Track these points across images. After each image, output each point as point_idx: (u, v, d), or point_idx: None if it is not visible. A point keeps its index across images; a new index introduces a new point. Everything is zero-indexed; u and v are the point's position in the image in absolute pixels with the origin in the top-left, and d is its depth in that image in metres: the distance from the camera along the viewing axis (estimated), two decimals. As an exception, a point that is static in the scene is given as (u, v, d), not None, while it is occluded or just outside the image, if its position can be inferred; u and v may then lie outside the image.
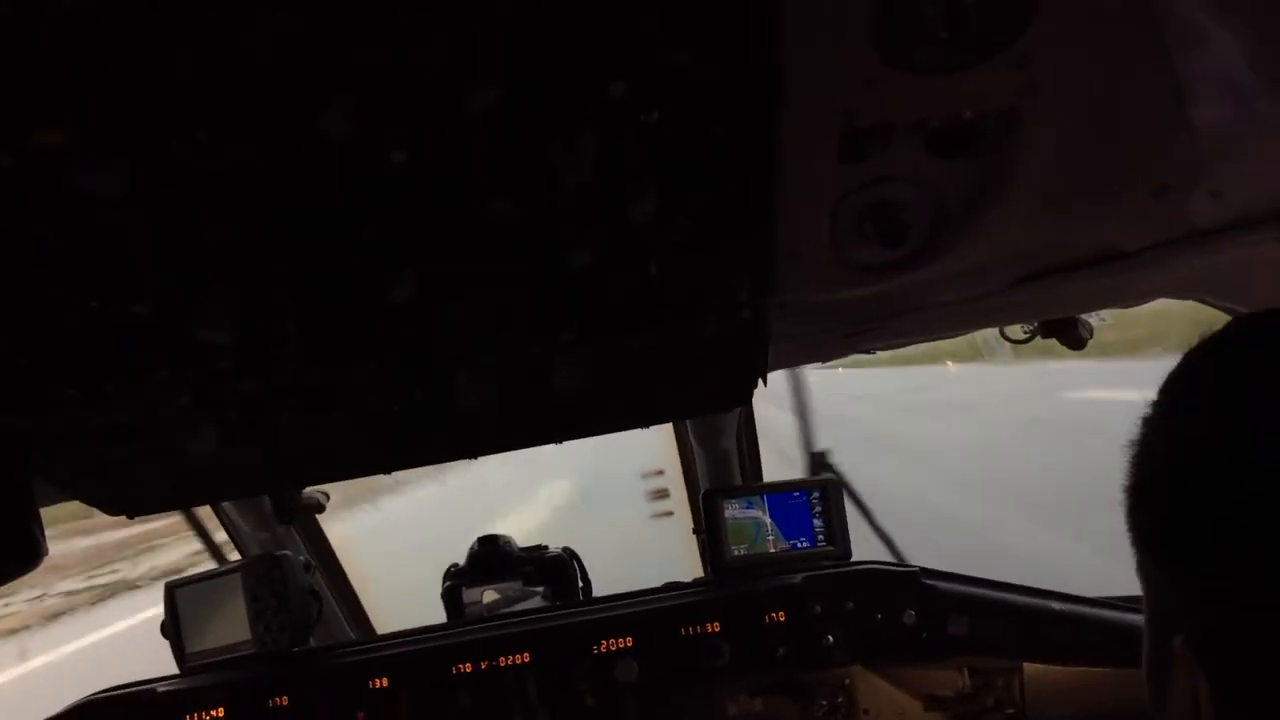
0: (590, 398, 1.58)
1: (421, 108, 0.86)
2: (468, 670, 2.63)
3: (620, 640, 2.64)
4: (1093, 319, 2.11)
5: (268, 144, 0.87)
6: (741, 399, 1.83)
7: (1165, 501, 0.83)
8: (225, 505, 3.20)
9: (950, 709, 2.77)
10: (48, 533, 1.45)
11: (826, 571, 2.76)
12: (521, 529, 3.32)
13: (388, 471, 1.90)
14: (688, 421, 3.28)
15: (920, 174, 1.20)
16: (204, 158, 0.86)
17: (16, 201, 0.87)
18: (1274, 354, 0.81)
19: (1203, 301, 1.73)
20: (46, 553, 1.45)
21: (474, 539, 3.24)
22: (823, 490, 2.89)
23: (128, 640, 11.60)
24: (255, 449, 1.53)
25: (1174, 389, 0.87)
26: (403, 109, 0.86)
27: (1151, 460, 0.86)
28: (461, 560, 3.23)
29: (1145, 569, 0.89)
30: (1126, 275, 1.48)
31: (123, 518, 1.76)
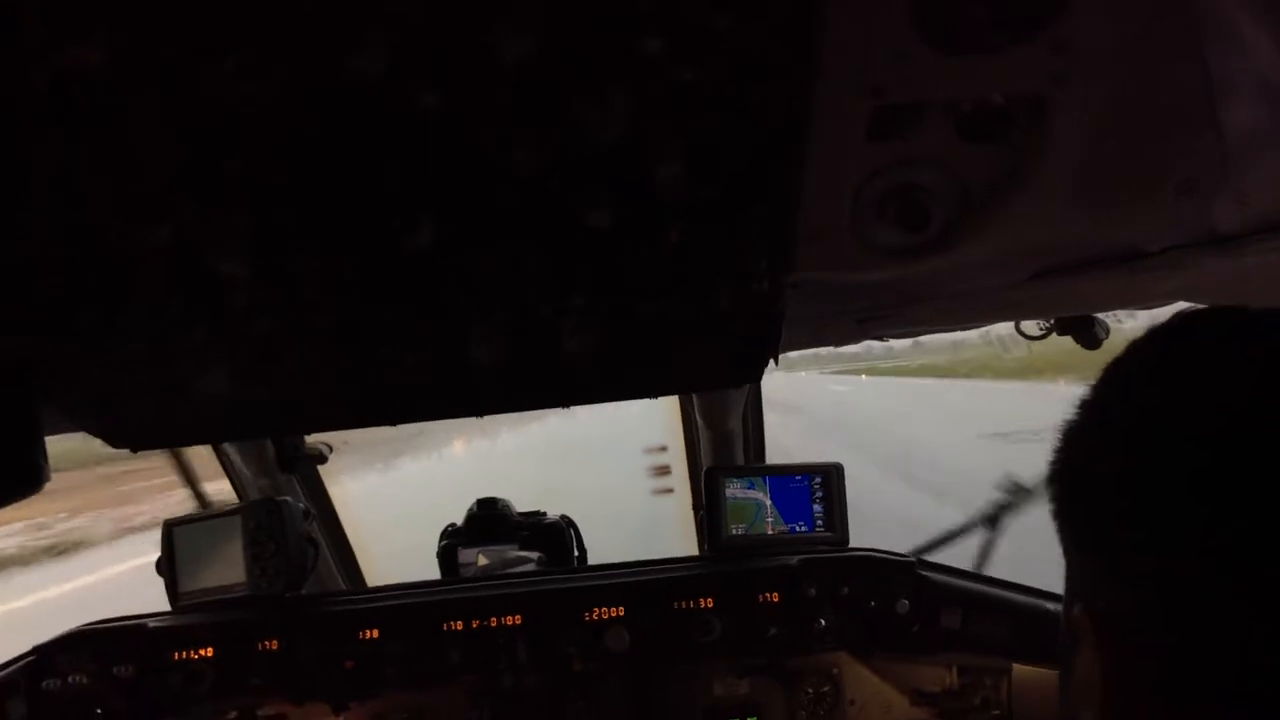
0: (599, 363, 1.58)
1: (456, 52, 0.86)
2: (459, 628, 2.64)
3: (612, 609, 2.65)
4: (1109, 319, 2.10)
5: (300, 77, 0.86)
6: (751, 376, 1.82)
7: (1105, 483, 0.84)
8: (228, 448, 3.21)
9: (937, 705, 2.78)
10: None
11: (823, 555, 2.76)
12: (521, 495, 3.32)
13: (394, 423, 1.90)
14: (694, 399, 3.28)
15: (947, 158, 1.20)
16: (235, 86, 0.86)
17: (48, 120, 0.87)
18: (1214, 345, 0.81)
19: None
20: (48, 478, 1.45)
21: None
22: (825, 476, 2.90)
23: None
24: (263, 390, 1.53)
25: (1118, 374, 0.88)
26: (437, 52, 0.86)
27: (1090, 441, 0.87)
28: (460, 521, 3.24)
29: (1066, 545, 0.90)
30: (1145, 275, 1.47)
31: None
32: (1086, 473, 0.86)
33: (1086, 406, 0.88)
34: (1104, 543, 0.82)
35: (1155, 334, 0.87)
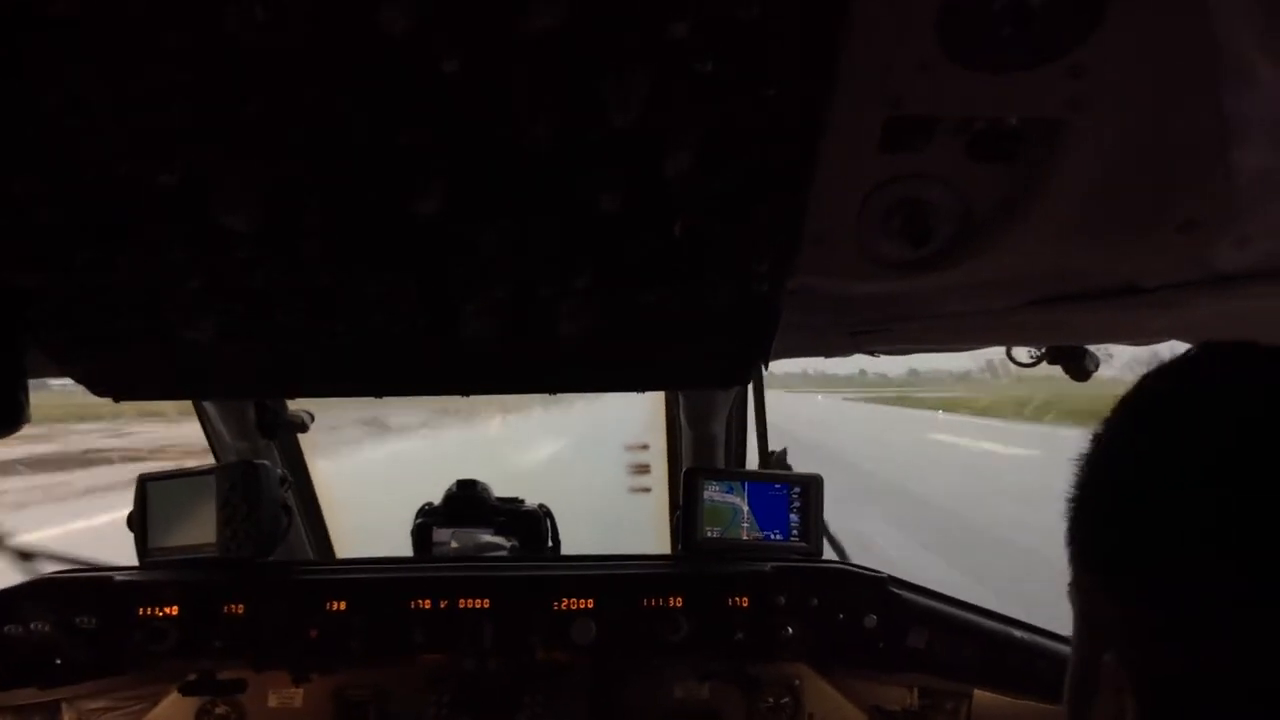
0: (592, 350, 1.58)
1: (482, 18, 0.86)
2: (425, 606, 2.64)
3: (582, 600, 2.65)
4: (1100, 352, 2.10)
5: (323, 27, 0.86)
6: (741, 378, 1.82)
7: (1114, 515, 0.83)
8: (208, 409, 3.20)
9: None
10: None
11: (796, 565, 2.77)
12: (501, 481, 3.31)
13: (378, 395, 1.90)
14: (680, 398, 3.28)
15: (954, 176, 1.20)
16: (257, 31, 0.85)
17: (62, 54, 0.87)
18: (1232, 380, 0.81)
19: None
20: (29, 419, 1.45)
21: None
22: (804, 486, 2.90)
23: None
24: (251, 348, 1.52)
25: (1132, 408, 0.88)
26: (463, 16, 0.85)
27: (1101, 473, 0.86)
28: (437, 500, 3.24)
29: (1080, 583, 0.89)
30: (1141, 311, 1.47)
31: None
32: (1100, 510, 0.86)
33: (1098, 440, 0.88)
34: (1121, 585, 0.81)
35: (1166, 369, 0.87)
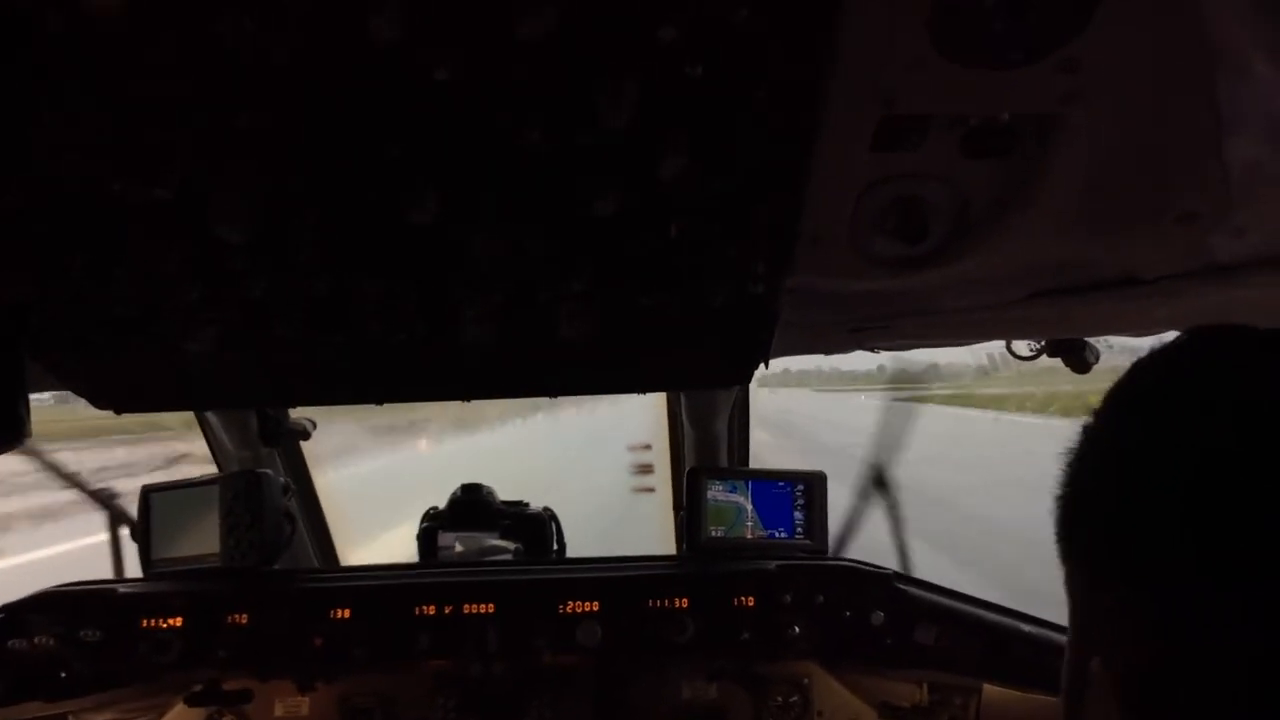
0: (592, 354, 1.58)
1: (473, 26, 0.86)
2: (430, 613, 2.63)
3: (587, 603, 2.65)
4: (1099, 344, 2.10)
5: (316, 36, 0.86)
6: (741, 377, 1.82)
7: (1100, 509, 0.82)
8: (210, 418, 3.19)
9: None
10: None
11: (801, 563, 2.76)
12: (505, 485, 3.31)
13: (379, 402, 1.90)
14: (682, 398, 3.28)
15: (950, 173, 1.20)
16: (250, 41, 0.85)
17: (62, 63, 0.87)
18: (1225, 367, 0.79)
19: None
20: (30, 434, 1.45)
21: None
22: (808, 484, 2.89)
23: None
24: (251, 358, 1.52)
25: (1121, 398, 0.86)
26: (454, 24, 0.85)
27: (1093, 468, 0.85)
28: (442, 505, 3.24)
29: (1073, 582, 0.87)
30: (1140, 302, 1.47)
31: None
32: (1088, 504, 0.84)
33: (1088, 432, 0.87)
34: (1107, 582, 0.80)
35: (1155, 357, 0.86)
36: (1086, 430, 0.87)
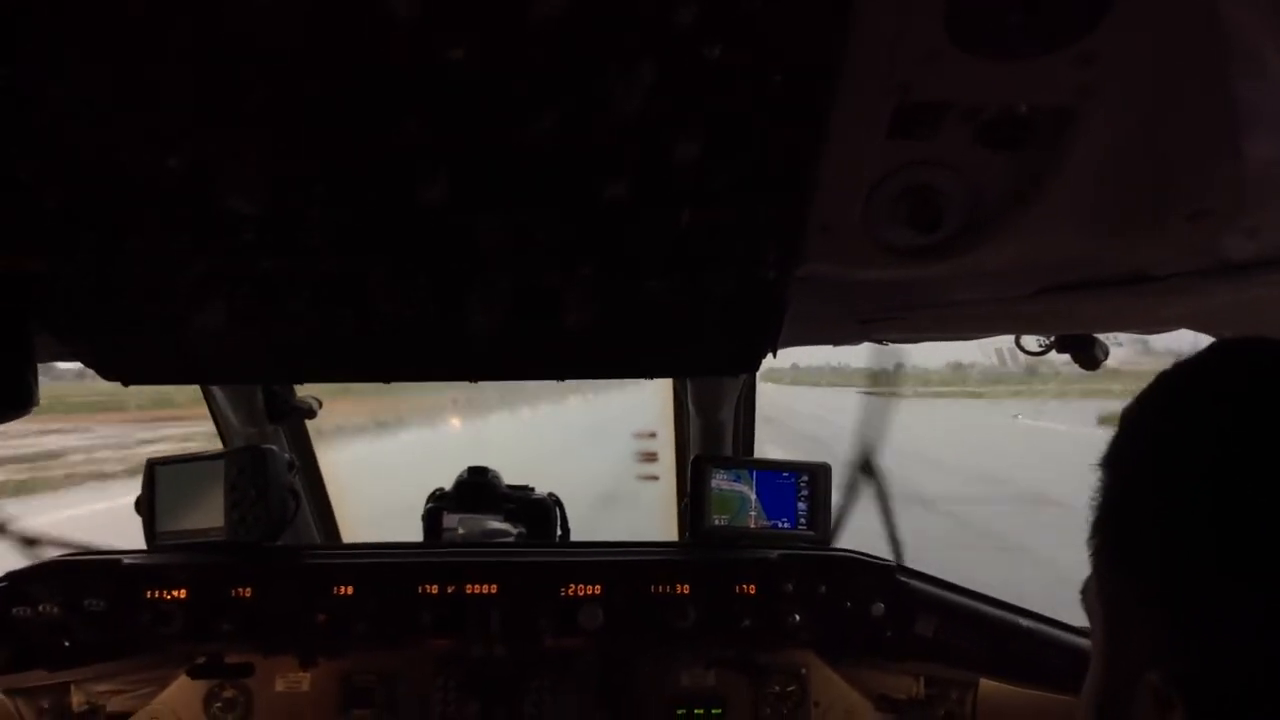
0: (599, 338, 1.57)
1: (489, 5, 0.85)
2: (433, 592, 2.64)
3: (589, 587, 2.65)
4: (1109, 341, 2.10)
5: (332, 13, 0.86)
6: (748, 366, 1.82)
7: (1157, 521, 0.80)
8: (216, 393, 3.20)
9: (901, 713, 2.79)
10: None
11: (803, 552, 2.76)
12: (511, 469, 3.32)
13: (386, 381, 1.90)
14: (688, 386, 3.28)
15: (964, 163, 1.19)
16: (265, 18, 0.85)
17: (67, 41, 0.87)
18: (1263, 376, 0.79)
19: (1221, 336, 1.71)
20: (38, 402, 1.45)
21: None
22: (812, 474, 2.89)
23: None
24: (259, 334, 1.53)
25: (1160, 405, 0.85)
26: (470, 3, 0.85)
27: (1140, 470, 0.84)
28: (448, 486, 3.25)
29: (1108, 591, 0.86)
30: (1150, 300, 1.47)
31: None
32: (1141, 518, 0.82)
33: (1128, 444, 0.86)
34: (1168, 595, 0.78)
35: (1185, 367, 0.85)
36: (1124, 439, 0.86)
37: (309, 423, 3.51)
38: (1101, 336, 2.10)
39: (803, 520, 2.87)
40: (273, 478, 2.73)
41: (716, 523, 2.85)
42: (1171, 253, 1.33)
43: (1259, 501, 0.71)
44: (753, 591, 2.67)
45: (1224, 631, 0.72)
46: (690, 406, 3.32)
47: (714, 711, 2.84)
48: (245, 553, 2.75)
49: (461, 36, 0.88)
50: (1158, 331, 1.83)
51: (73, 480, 16.35)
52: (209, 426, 3.29)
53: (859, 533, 3.13)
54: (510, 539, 3.09)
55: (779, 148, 1.07)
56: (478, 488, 3.21)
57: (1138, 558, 0.82)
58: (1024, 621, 2.64)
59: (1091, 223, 1.26)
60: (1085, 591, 0.91)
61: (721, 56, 0.91)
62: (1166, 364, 0.87)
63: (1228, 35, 0.96)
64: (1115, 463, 0.86)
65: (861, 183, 1.22)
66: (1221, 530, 0.73)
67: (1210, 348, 0.86)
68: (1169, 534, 0.77)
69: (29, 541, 2.93)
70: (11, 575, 2.65)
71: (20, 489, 14.79)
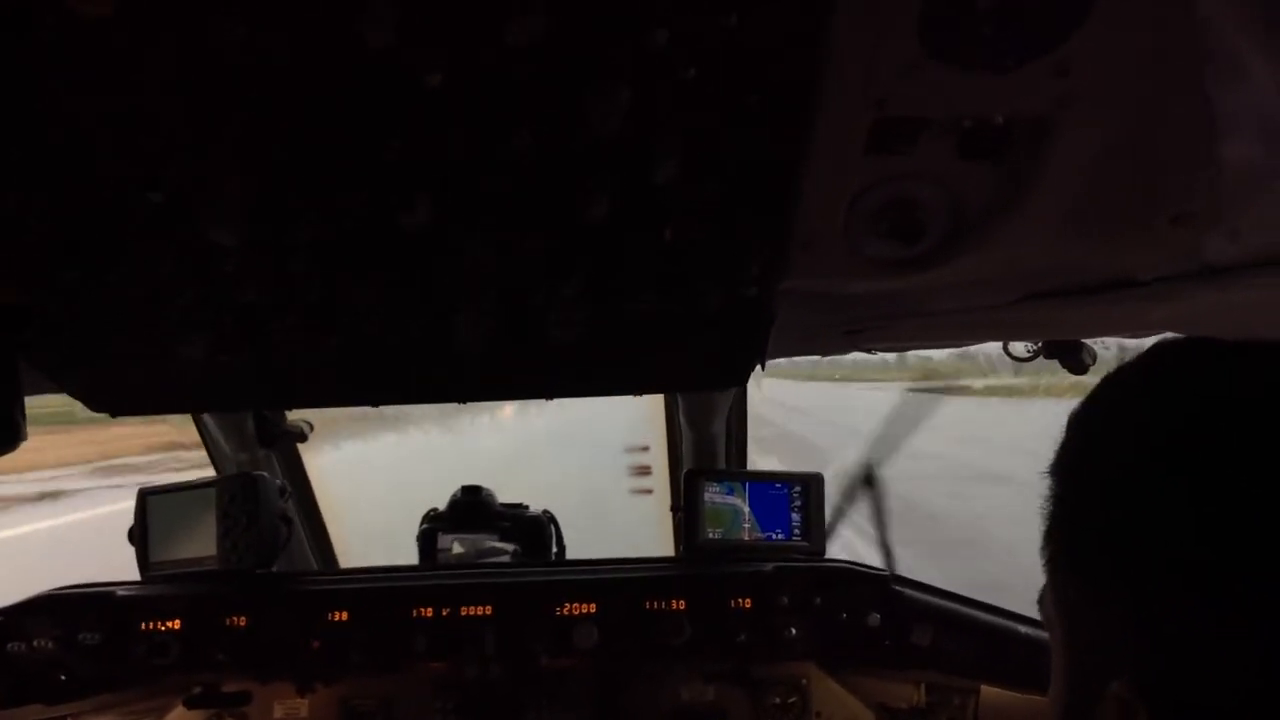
0: (586, 356, 1.58)
1: (462, 30, 0.86)
2: (428, 615, 2.63)
3: (584, 605, 2.65)
4: (1097, 345, 2.10)
5: (306, 41, 0.86)
6: (737, 379, 1.82)
7: (1110, 528, 0.79)
8: (207, 420, 3.19)
9: None
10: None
11: (797, 564, 2.76)
12: (503, 487, 3.32)
13: (375, 404, 1.90)
14: (679, 400, 3.28)
15: (944, 175, 1.19)
16: (240, 46, 0.85)
17: (53, 68, 0.87)
18: (1208, 376, 0.80)
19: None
20: (25, 437, 1.44)
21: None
22: (805, 485, 2.89)
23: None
24: (246, 361, 1.52)
25: (1106, 410, 0.86)
26: (444, 28, 0.85)
27: (1090, 475, 0.84)
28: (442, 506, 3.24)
29: (1066, 597, 0.86)
30: (1134, 304, 1.47)
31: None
32: (1091, 517, 0.82)
33: (1075, 446, 0.86)
34: (1123, 595, 0.77)
35: (1129, 368, 0.85)
36: (1072, 444, 0.86)
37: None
38: (1089, 341, 2.11)
39: (796, 531, 2.88)
40: (264, 504, 2.72)
41: (711, 536, 2.85)
42: (1155, 257, 1.33)
43: (1216, 504, 0.70)
44: (748, 605, 2.67)
45: (1187, 639, 0.72)
46: (682, 420, 3.32)
47: None
48: (238, 581, 2.74)
49: (436, 62, 0.89)
50: (1143, 335, 1.83)
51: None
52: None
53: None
54: (505, 557, 3.08)
55: (758, 165, 1.07)
56: (472, 507, 3.21)
57: (1092, 566, 0.81)
58: (1022, 628, 2.64)
59: (1074, 229, 1.26)
60: (1042, 601, 0.91)
61: (698, 76, 0.92)
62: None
63: (1206, 39, 0.97)
64: (1064, 470, 0.86)
65: (842, 198, 1.22)
66: (1178, 536, 0.72)
67: (1150, 350, 0.86)
68: (1123, 541, 0.77)
69: None
70: (4, 610, 2.64)
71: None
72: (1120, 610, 0.78)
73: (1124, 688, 0.77)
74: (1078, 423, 0.86)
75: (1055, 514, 0.85)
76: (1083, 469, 0.84)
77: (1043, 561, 0.87)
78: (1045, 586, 0.89)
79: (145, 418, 2.15)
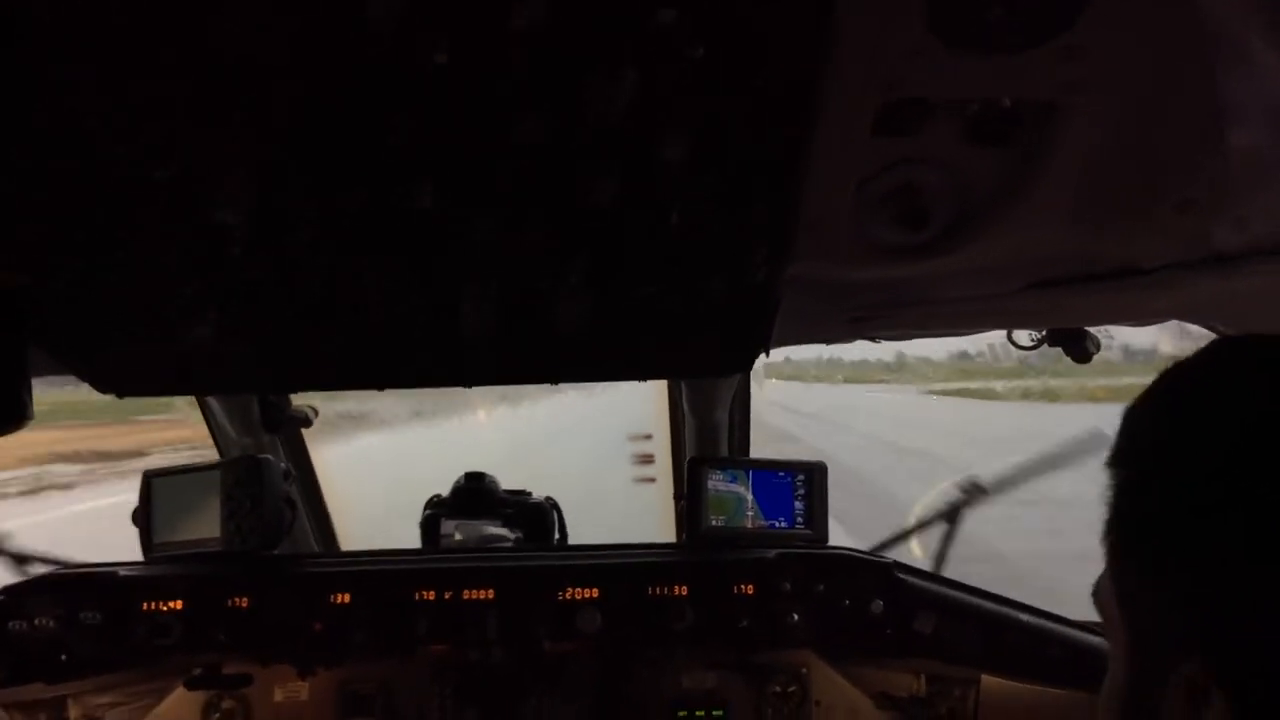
0: (591, 341, 1.57)
1: (469, 12, 0.86)
2: (430, 598, 2.63)
3: (586, 590, 2.65)
4: (1100, 334, 2.10)
5: (315, 22, 0.86)
6: (741, 366, 1.82)
7: (1175, 517, 0.80)
8: (212, 404, 3.19)
9: (903, 711, 2.78)
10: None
11: (800, 551, 2.76)
12: (508, 474, 3.31)
13: (380, 388, 1.90)
14: (683, 387, 3.27)
15: (951, 159, 1.19)
16: (250, 31, 0.85)
17: (62, 47, 0.87)
18: (1272, 370, 0.80)
19: (1210, 327, 1.71)
20: (32, 416, 1.45)
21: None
22: (808, 473, 2.89)
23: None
24: (251, 343, 1.53)
25: (1168, 403, 0.86)
26: (450, 9, 0.85)
27: (1152, 472, 0.84)
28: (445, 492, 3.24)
29: (1127, 589, 0.86)
30: (1140, 293, 1.47)
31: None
32: (1145, 509, 0.83)
33: (1140, 438, 0.86)
34: (1192, 590, 0.78)
35: (1186, 364, 0.86)
36: (1134, 439, 0.86)
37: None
38: (1093, 330, 2.11)
39: (800, 519, 2.87)
40: (269, 487, 2.72)
41: (714, 523, 2.84)
42: (1160, 244, 1.34)
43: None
44: (750, 592, 2.67)
45: (1259, 621, 0.72)
46: (685, 407, 3.31)
47: (715, 713, 2.84)
48: (241, 563, 2.74)
49: (443, 42, 0.89)
50: (1148, 324, 1.83)
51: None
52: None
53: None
54: (508, 544, 3.08)
55: (766, 148, 1.07)
56: (475, 493, 3.20)
57: (1158, 555, 0.82)
58: (1023, 616, 2.64)
59: (1079, 216, 1.26)
60: (1097, 592, 0.91)
61: (705, 58, 0.92)
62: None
63: (1212, 26, 0.96)
64: (1124, 462, 0.86)
65: (849, 182, 1.22)
66: (1247, 522, 0.73)
67: (1210, 346, 0.87)
68: (1190, 530, 0.78)
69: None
70: (7, 589, 2.64)
71: None
72: (1188, 598, 0.79)
73: (1195, 669, 0.77)
74: (1139, 418, 0.87)
75: (1116, 505, 0.85)
76: (1145, 461, 0.85)
77: (1103, 550, 0.87)
78: (1101, 577, 0.90)
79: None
